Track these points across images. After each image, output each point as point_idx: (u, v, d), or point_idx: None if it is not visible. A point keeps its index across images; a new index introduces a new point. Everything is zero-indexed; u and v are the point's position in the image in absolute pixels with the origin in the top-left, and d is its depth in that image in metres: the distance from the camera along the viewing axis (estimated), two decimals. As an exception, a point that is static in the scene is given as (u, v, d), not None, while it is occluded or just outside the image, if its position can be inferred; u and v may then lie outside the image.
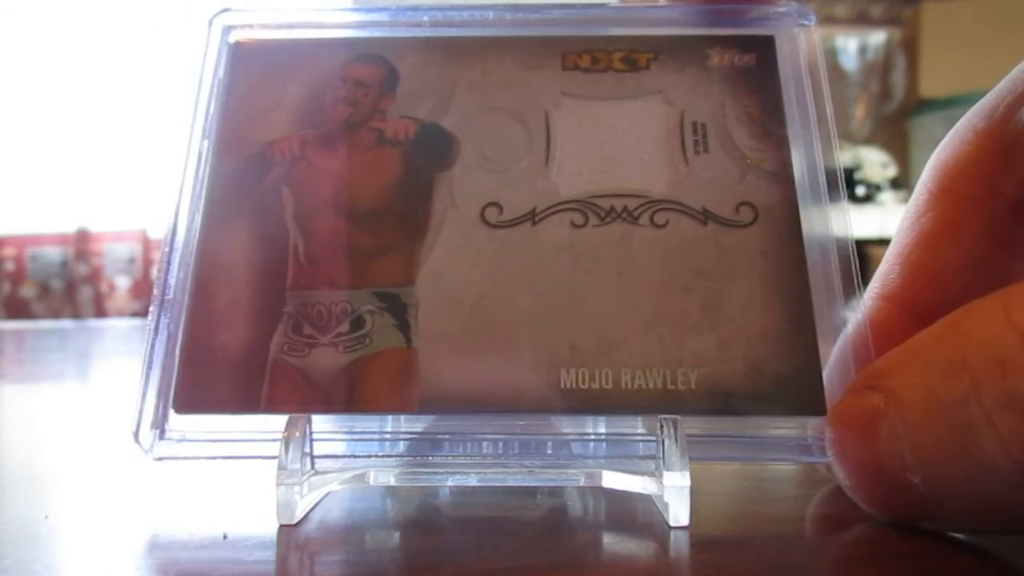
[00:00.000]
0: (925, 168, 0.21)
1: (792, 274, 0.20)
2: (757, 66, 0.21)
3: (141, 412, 0.20)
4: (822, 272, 0.20)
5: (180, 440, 0.19)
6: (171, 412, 0.20)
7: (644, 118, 0.21)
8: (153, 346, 0.20)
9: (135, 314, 1.54)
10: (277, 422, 0.19)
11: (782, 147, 0.21)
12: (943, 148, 0.21)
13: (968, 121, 0.20)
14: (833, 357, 0.19)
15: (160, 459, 0.19)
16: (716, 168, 0.21)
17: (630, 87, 0.21)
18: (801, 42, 0.21)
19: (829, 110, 0.21)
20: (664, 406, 0.19)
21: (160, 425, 0.20)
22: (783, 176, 0.20)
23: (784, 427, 0.19)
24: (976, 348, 0.15)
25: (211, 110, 0.22)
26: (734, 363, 0.19)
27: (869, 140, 1.58)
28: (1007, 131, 0.20)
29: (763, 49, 0.22)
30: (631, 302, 0.19)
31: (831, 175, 0.20)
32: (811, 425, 0.19)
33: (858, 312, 0.19)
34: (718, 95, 0.21)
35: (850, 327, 0.19)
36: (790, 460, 0.19)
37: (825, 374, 0.19)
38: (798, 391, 0.19)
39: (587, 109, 0.21)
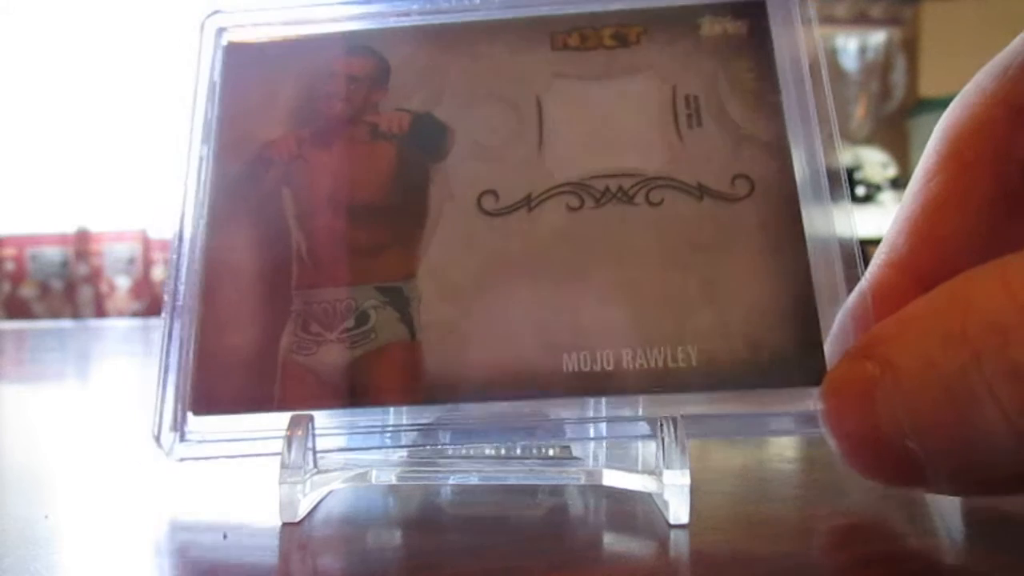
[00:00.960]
0: (934, 131, 0.21)
1: (790, 246, 0.19)
2: (749, 33, 0.21)
3: (161, 415, 0.20)
4: (824, 269, 0.19)
5: (200, 441, 0.20)
6: (188, 414, 0.20)
7: (636, 95, 0.21)
8: (168, 351, 0.20)
9: (135, 314, 1.54)
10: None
11: (776, 115, 0.20)
12: (951, 111, 0.20)
13: (976, 83, 0.20)
14: (835, 326, 0.19)
15: (182, 460, 0.20)
16: (710, 142, 0.20)
17: (622, 64, 0.21)
18: (795, 6, 0.21)
19: (824, 74, 0.20)
20: (666, 384, 0.19)
21: (179, 427, 0.20)
22: (778, 146, 0.20)
23: (785, 400, 0.19)
24: (976, 318, 0.15)
25: (209, 113, 0.22)
26: (734, 338, 0.19)
27: (869, 140, 1.58)
28: (1017, 93, 0.19)
29: (755, 15, 0.21)
30: (630, 282, 0.19)
31: (827, 142, 0.20)
32: (813, 397, 0.18)
33: (862, 280, 0.19)
34: (710, 66, 0.21)
35: (853, 295, 0.19)
36: (793, 433, 0.19)
37: (827, 344, 0.19)
38: (799, 364, 0.19)
39: (579, 89, 0.21)
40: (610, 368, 0.19)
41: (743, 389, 0.19)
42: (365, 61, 0.22)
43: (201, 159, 0.21)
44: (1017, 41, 0.19)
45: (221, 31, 0.23)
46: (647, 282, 0.19)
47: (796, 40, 0.21)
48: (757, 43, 0.21)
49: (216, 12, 0.23)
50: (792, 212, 0.20)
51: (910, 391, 0.16)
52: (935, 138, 0.20)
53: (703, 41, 0.21)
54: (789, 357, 0.19)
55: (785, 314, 0.19)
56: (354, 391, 0.19)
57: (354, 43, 0.22)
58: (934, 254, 0.20)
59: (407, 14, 0.22)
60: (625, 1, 0.22)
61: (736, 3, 0.21)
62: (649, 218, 0.20)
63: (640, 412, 0.19)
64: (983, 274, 0.15)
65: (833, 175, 0.20)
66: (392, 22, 0.22)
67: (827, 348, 0.19)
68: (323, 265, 0.20)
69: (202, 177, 0.21)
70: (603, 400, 0.19)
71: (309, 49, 0.22)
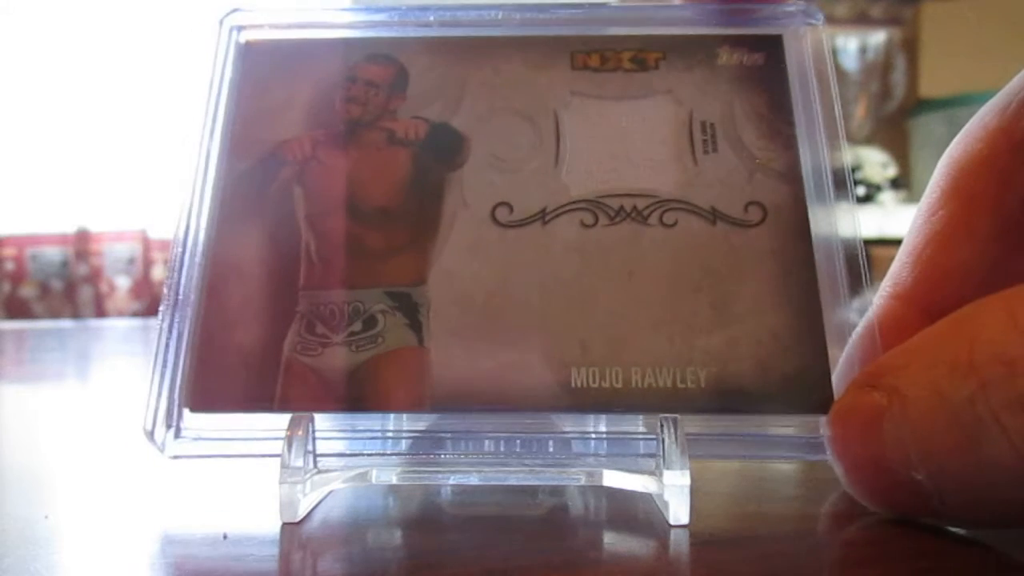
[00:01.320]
0: (937, 166, 0.21)
1: (800, 273, 0.20)
2: (765, 65, 0.22)
3: (156, 411, 0.19)
4: (828, 272, 0.20)
5: (195, 439, 0.20)
6: (185, 411, 0.20)
7: (653, 118, 0.21)
8: (166, 345, 0.20)
9: (135, 314, 1.54)
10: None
11: (790, 146, 0.21)
12: (955, 146, 0.21)
13: (980, 118, 0.20)
14: (843, 357, 0.19)
15: (175, 457, 0.20)
16: (725, 168, 0.21)
17: (639, 87, 0.22)
18: (808, 41, 0.22)
19: (837, 109, 0.21)
20: (673, 405, 0.19)
21: (174, 424, 0.20)
22: (791, 176, 0.20)
23: (791, 425, 0.19)
24: (983, 348, 0.15)
25: (222, 110, 0.22)
26: (743, 362, 0.19)
27: (869, 140, 1.58)
28: (1019, 128, 0.19)
29: (771, 48, 0.22)
30: (641, 301, 0.20)
31: (838, 174, 0.20)
32: (820, 423, 0.19)
33: (868, 312, 0.19)
34: (727, 94, 0.21)
35: (860, 327, 0.19)
36: (798, 458, 0.19)
37: (835, 375, 0.19)
38: (807, 390, 0.19)
39: (597, 109, 0.21)
40: (618, 386, 0.19)
41: (751, 413, 0.19)
42: (385, 68, 0.22)
43: (213, 156, 0.21)
44: (1019, 77, 0.20)
45: (238, 30, 0.23)
46: (658, 302, 0.20)
47: (808, 67, 0.21)
48: (773, 74, 0.21)
49: (234, 11, 0.23)
50: (803, 241, 0.20)
51: (917, 420, 0.16)
52: (938, 173, 0.21)
53: (720, 70, 0.21)
54: (797, 383, 0.19)
55: (794, 341, 0.19)
56: (358, 395, 0.19)
57: (374, 49, 0.22)
58: (939, 286, 0.20)
59: (428, 24, 0.22)
60: (645, 27, 0.22)
61: (753, 36, 0.22)
62: (662, 239, 0.20)
63: (641, 429, 0.19)
64: (989, 305, 0.15)
65: (838, 176, 0.20)
66: (413, 31, 0.23)
67: (834, 378, 0.19)
68: (332, 266, 0.20)
69: (213, 173, 0.21)
70: (603, 417, 0.19)
71: (328, 52, 0.22)
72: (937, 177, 0.21)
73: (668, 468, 0.18)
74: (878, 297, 0.21)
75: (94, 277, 1.59)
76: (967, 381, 0.15)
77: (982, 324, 0.15)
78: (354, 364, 0.19)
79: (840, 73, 1.56)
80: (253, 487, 0.20)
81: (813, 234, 0.20)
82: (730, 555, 0.16)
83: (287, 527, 0.18)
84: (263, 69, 0.22)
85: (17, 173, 1.54)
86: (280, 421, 0.19)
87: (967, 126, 0.21)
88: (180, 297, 0.20)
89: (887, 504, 0.17)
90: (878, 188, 1.48)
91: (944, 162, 0.21)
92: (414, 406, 0.19)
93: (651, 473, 0.18)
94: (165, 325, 0.20)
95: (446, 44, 0.22)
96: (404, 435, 0.20)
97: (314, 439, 0.19)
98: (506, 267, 0.20)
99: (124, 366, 0.58)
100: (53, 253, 1.58)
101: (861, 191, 1.46)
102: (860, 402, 0.17)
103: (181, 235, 0.21)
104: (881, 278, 0.22)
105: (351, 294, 0.20)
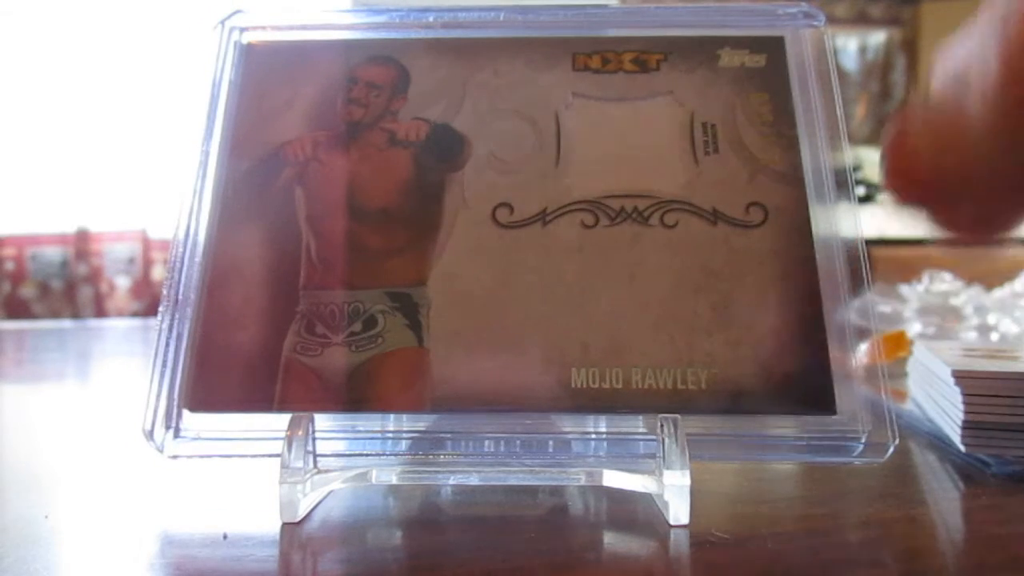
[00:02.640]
0: None
1: (802, 274, 0.20)
2: (767, 67, 0.22)
3: (155, 411, 0.20)
4: (829, 272, 0.20)
5: (194, 439, 0.20)
6: (184, 411, 0.20)
7: (654, 119, 0.21)
8: (166, 345, 0.20)
9: (135, 314, 1.54)
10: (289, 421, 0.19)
11: (792, 148, 0.21)
12: None
13: None
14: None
15: (174, 457, 0.20)
16: (726, 169, 0.21)
17: (640, 88, 0.22)
18: (810, 42, 0.22)
19: (839, 110, 0.21)
20: (674, 406, 0.19)
21: (173, 424, 0.20)
22: (793, 177, 0.21)
23: (791, 426, 0.19)
24: (989, 12, 0.15)
25: (224, 112, 0.22)
26: (744, 363, 0.19)
27: (869, 140, 1.58)
28: None
29: (773, 50, 0.22)
30: (642, 302, 0.20)
31: (839, 175, 0.20)
32: (820, 423, 0.19)
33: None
34: (728, 96, 0.21)
35: None
36: (797, 459, 0.19)
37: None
38: (808, 390, 0.19)
39: (597, 110, 0.21)
40: (619, 386, 0.19)
41: (752, 414, 0.19)
42: (386, 69, 0.22)
43: (213, 156, 0.21)
44: None
45: (240, 31, 0.23)
46: (659, 303, 0.20)
47: (810, 68, 0.21)
48: (775, 76, 0.22)
49: (236, 12, 0.23)
50: (804, 241, 0.20)
51: (928, 106, 0.16)
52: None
53: (722, 71, 0.22)
54: (798, 383, 0.19)
55: (795, 341, 0.19)
56: (357, 396, 0.19)
57: (376, 51, 0.22)
58: None
59: (429, 26, 0.23)
60: (646, 28, 0.22)
61: (755, 37, 0.22)
62: (663, 240, 0.20)
63: (641, 429, 0.19)
64: None
65: (839, 177, 0.20)
66: (414, 33, 0.23)
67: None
68: (332, 267, 0.20)
69: (213, 173, 0.21)
70: (603, 417, 0.19)
71: (329, 54, 0.23)
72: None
73: (668, 468, 0.18)
74: None
75: (94, 277, 1.59)
76: (966, 42, 0.15)
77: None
78: (354, 364, 0.19)
79: (840, 73, 1.56)
80: (253, 487, 0.20)
81: (814, 235, 0.20)
82: (730, 555, 0.16)
83: (287, 527, 0.18)
84: (264, 70, 0.22)
85: (17, 173, 1.54)
86: (280, 421, 0.19)
87: None
88: (180, 297, 0.20)
89: (918, 199, 0.17)
90: (878, 188, 1.48)
91: None
92: (414, 406, 0.19)
93: (651, 473, 0.18)
94: (165, 325, 0.20)
95: (447, 45, 0.22)
96: (404, 435, 0.20)
97: (314, 439, 0.19)
98: (506, 268, 0.20)
99: (124, 366, 0.57)
100: (53, 253, 1.58)
101: (861, 191, 1.47)
102: (903, 113, 0.17)
103: (181, 235, 0.21)
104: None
105: (351, 294, 0.20)
